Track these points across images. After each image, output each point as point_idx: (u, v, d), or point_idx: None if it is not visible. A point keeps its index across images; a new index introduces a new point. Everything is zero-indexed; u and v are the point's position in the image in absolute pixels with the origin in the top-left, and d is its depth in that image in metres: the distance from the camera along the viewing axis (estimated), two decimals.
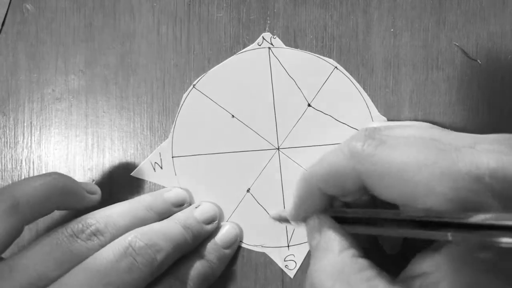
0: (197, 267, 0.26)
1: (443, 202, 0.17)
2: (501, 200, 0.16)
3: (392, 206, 0.20)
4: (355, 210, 0.22)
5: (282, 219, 0.25)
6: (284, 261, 0.28)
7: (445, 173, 0.16)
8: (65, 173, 0.25)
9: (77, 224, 0.23)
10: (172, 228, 0.25)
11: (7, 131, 0.30)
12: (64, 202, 0.24)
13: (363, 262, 0.19)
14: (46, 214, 0.23)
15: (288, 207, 0.24)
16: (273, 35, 0.29)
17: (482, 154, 0.16)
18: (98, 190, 0.27)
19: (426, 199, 0.17)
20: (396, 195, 0.18)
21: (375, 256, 0.20)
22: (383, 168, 0.18)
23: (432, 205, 0.17)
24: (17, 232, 0.22)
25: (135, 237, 0.23)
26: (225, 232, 0.28)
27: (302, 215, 0.22)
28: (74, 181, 0.25)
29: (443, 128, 0.22)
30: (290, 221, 0.24)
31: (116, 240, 0.23)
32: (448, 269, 0.17)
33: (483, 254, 0.17)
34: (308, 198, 0.21)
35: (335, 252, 0.19)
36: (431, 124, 0.25)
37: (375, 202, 0.23)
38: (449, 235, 0.16)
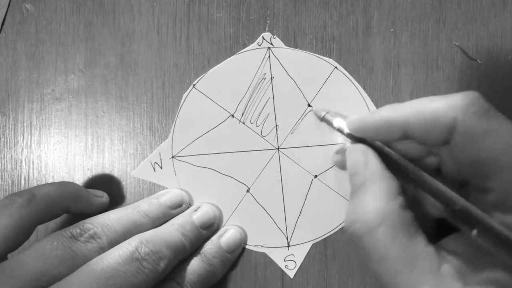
0: (199, 271, 0.26)
1: None
2: None
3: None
4: (403, 160, 0.22)
5: (326, 120, 0.25)
6: (284, 261, 0.28)
7: None
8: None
9: (75, 228, 0.23)
10: (172, 235, 0.25)
11: (7, 131, 0.30)
12: (76, 204, 0.25)
13: (408, 215, 0.19)
14: (58, 215, 0.25)
15: (352, 116, 0.23)
16: (273, 35, 0.29)
17: None
18: (104, 194, 0.28)
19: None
20: (474, 161, 0.19)
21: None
22: (482, 131, 0.18)
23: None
24: (28, 229, 0.23)
25: (141, 243, 0.23)
26: (230, 236, 0.28)
27: (362, 133, 0.22)
28: (82, 187, 0.27)
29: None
30: (337, 127, 0.24)
31: (121, 244, 0.23)
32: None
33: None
34: (386, 125, 0.21)
35: (384, 199, 0.19)
36: None
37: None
38: (475, 232, 0.19)
